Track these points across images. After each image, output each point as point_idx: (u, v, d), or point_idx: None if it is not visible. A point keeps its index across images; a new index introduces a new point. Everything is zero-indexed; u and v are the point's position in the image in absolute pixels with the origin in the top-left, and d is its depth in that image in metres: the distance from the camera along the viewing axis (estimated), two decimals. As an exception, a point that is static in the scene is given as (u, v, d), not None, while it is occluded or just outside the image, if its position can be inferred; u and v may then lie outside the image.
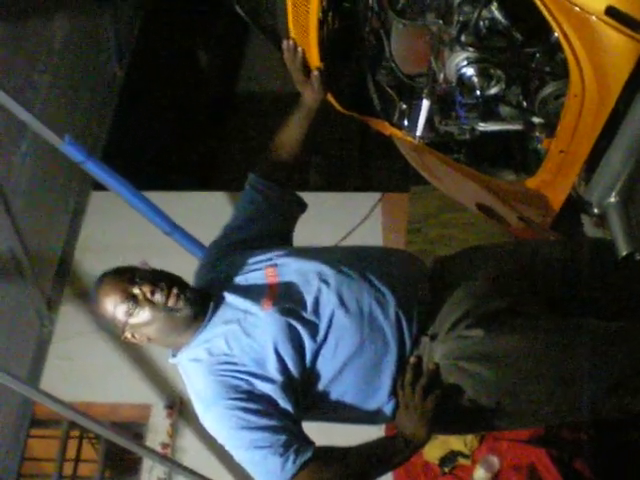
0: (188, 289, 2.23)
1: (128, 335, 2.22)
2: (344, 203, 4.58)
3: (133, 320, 2.18)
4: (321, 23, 2.39)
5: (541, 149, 2.31)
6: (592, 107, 1.98)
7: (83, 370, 4.10)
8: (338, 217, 4.39)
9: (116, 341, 4.09)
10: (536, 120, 2.28)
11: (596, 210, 2.22)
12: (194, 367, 2.22)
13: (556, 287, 2.34)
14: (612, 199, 2.15)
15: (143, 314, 2.17)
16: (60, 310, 4.32)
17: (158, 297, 2.17)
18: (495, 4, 2.11)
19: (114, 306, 2.18)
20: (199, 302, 2.22)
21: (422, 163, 2.81)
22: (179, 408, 4.24)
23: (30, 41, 3.88)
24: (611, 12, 1.76)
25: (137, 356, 4.09)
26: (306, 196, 2.63)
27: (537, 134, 2.30)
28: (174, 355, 2.30)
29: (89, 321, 4.15)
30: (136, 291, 2.18)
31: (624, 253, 2.09)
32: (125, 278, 2.21)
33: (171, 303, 2.17)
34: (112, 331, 2.27)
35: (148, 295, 2.18)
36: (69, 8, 4.33)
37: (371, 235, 4.35)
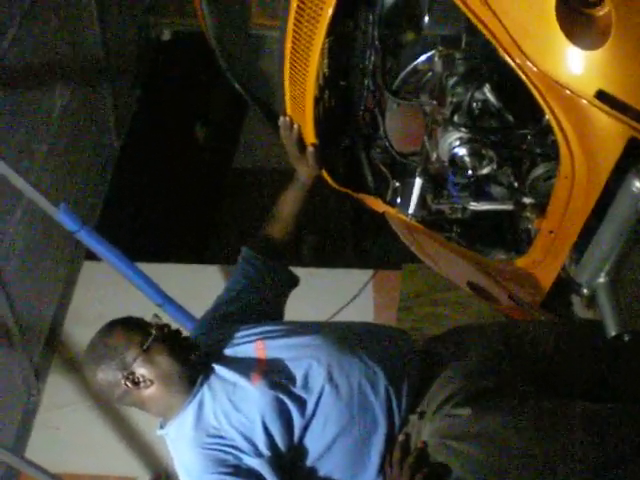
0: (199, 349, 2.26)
1: (129, 383, 2.18)
2: (336, 279, 4.57)
3: (145, 356, 2.17)
4: (317, 101, 2.43)
5: (532, 229, 2.33)
6: (582, 188, 2.00)
7: (69, 440, 4.04)
8: (330, 293, 4.38)
9: (103, 412, 4.05)
10: (527, 200, 2.30)
11: (585, 290, 2.22)
12: (182, 439, 2.21)
13: (544, 368, 2.33)
14: (601, 279, 2.16)
15: (158, 346, 2.18)
16: (48, 379, 4.28)
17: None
18: (488, 86, 2.16)
19: (128, 336, 2.19)
20: (197, 368, 2.23)
21: (414, 241, 2.82)
22: (165, 481, 4.18)
23: (29, 110, 3.92)
24: (601, 96, 1.80)
25: (124, 428, 4.04)
26: (298, 271, 2.64)
27: (528, 214, 2.32)
28: (162, 427, 2.28)
29: (77, 391, 4.12)
30: (153, 330, 2.21)
31: (613, 334, 2.09)
32: (141, 321, 2.26)
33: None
34: (104, 391, 2.24)
35: (165, 330, 2.22)
36: (69, 79, 4.38)
37: (363, 312, 4.34)
